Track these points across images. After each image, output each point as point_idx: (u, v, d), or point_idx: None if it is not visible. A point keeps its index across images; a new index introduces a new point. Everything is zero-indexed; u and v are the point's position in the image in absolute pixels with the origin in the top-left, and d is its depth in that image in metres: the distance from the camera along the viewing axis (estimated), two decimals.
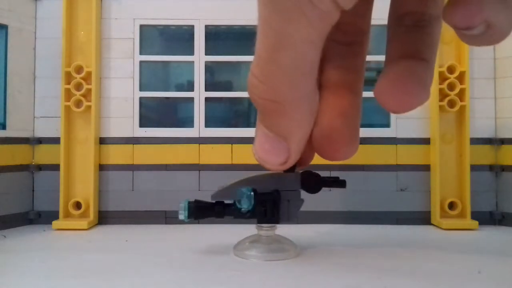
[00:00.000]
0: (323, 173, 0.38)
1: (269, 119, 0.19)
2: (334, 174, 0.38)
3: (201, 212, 0.28)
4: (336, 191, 0.38)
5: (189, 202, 0.28)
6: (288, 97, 0.17)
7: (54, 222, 0.36)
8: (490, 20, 0.16)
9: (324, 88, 0.23)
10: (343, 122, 0.22)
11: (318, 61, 0.17)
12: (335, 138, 0.22)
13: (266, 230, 0.28)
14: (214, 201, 0.28)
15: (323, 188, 0.29)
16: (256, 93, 0.17)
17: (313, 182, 0.28)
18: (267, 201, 0.27)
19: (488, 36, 0.16)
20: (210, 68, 0.40)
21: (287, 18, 0.15)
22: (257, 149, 0.20)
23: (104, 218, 0.39)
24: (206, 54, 0.40)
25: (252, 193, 0.26)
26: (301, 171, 0.28)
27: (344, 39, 0.22)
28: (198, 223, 0.39)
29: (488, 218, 0.39)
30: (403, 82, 0.19)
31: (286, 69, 0.16)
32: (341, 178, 0.30)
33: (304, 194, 0.28)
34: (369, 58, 0.37)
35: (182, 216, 0.27)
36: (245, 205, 0.26)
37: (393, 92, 0.19)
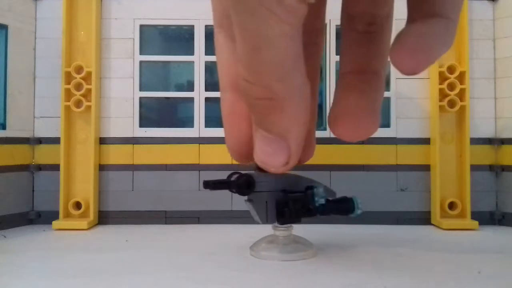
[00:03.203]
0: (323, 173, 0.38)
1: (266, 119, 0.19)
2: (334, 174, 0.39)
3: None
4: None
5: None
6: (279, 93, 0.17)
7: (54, 222, 0.36)
8: (435, 59, 0.17)
9: None
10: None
11: (301, 54, 0.17)
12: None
13: (282, 230, 0.28)
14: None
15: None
16: (249, 94, 0.18)
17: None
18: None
19: None
20: (210, 68, 0.40)
21: (257, 18, 0.15)
22: (258, 154, 0.20)
23: (104, 218, 0.39)
24: (206, 54, 0.40)
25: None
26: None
27: None
28: (199, 222, 0.39)
29: (488, 218, 0.39)
30: (353, 118, 0.20)
31: (271, 67, 0.17)
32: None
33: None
34: None
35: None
36: None
37: (345, 128, 0.20)
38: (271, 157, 0.20)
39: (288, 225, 0.27)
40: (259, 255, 0.27)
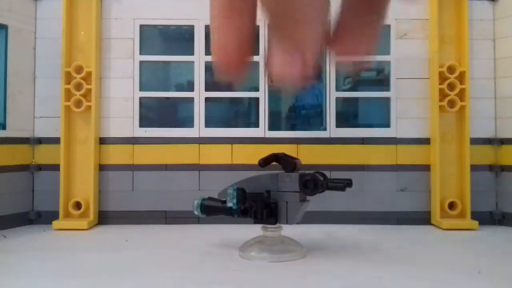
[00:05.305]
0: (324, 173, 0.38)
1: (281, 22, 0.19)
2: (334, 174, 0.38)
3: (210, 209, 0.28)
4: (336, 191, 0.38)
5: (203, 200, 0.29)
6: None
7: (54, 222, 0.36)
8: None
9: None
10: None
11: None
12: None
13: (271, 231, 0.28)
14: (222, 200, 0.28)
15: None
16: None
17: (313, 184, 0.27)
18: (257, 201, 0.27)
19: None
20: (210, 68, 0.40)
21: None
22: (276, 65, 0.20)
23: (104, 218, 0.39)
24: (206, 54, 0.40)
25: (235, 192, 0.26)
26: (300, 172, 0.27)
27: None
28: (199, 222, 0.39)
29: (488, 218, 0.39)
30: (353, 31, 0.20)
31: None
32: (341, 177, 0.30)
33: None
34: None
35: (196, 212, 0.29)
36: (230, 204, 0.26)
37: (344, 41, 0.19)
38: (288, 66, 0.20)
39: (277, 225, 0.28)
40: (248, 256, 0.27)
